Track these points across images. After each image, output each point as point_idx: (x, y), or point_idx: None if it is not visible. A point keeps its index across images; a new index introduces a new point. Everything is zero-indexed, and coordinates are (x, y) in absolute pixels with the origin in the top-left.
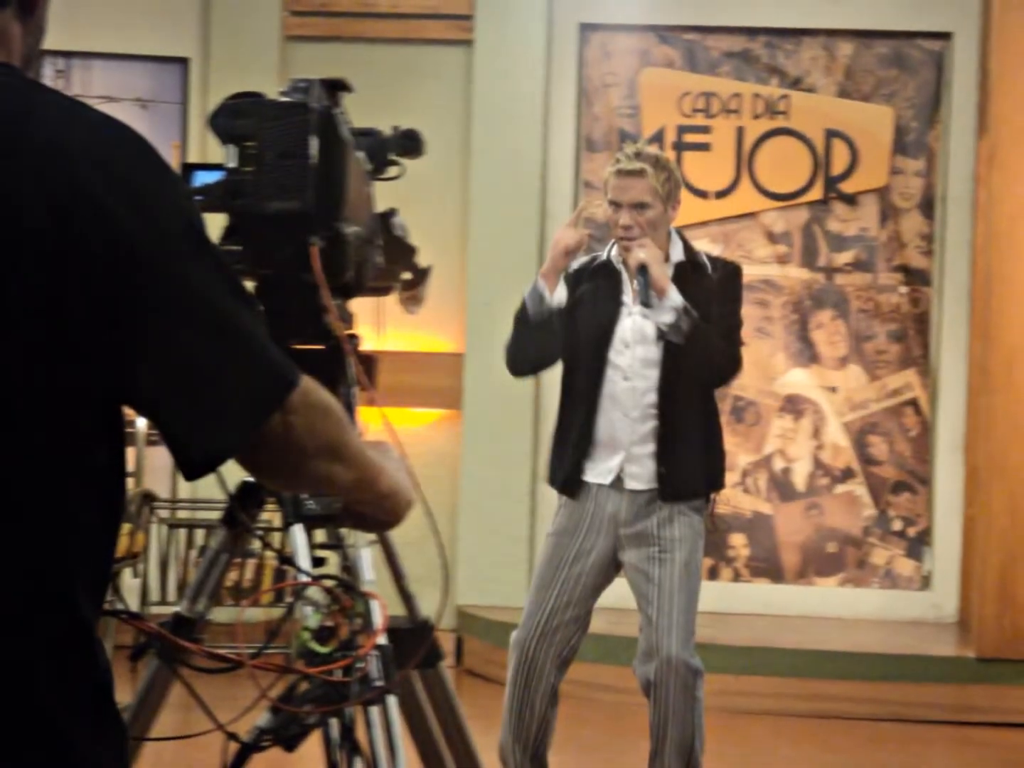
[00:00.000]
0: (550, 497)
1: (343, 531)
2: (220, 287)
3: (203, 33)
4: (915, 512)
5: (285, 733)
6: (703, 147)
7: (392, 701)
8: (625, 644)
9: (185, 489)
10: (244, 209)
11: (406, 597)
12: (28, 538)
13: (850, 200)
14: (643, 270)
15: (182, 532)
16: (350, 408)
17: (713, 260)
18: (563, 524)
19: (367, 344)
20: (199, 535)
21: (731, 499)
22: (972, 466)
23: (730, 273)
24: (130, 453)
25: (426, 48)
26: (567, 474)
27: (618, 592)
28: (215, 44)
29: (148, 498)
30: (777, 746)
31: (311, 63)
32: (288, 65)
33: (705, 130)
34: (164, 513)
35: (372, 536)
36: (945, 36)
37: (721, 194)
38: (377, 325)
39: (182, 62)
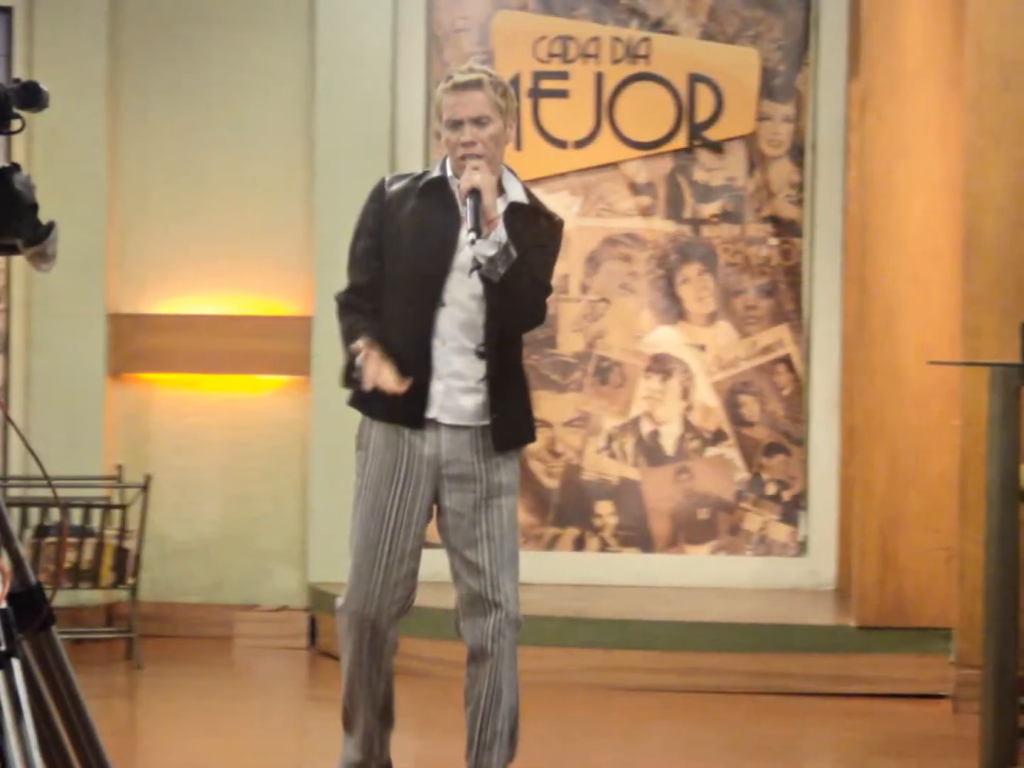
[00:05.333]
0: None
1: None
2: None
3: None
4: (789, 475)
5: None
6: (560, 94)
7: (16, 665)
8: None
9: (16, 466)
10: None
11: (16, 561)
12: None
13: (716, 148)
14: (475, 195)
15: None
16: None
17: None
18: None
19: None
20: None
21: (597, 464)
22: (849, 425)
23: (555, 225)
24: None
25: None
26: None
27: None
28: None
29: None
30: (652, 722)
31: (143, 9)
32: (119, 10)
33: (562, 76)
34: None
35: None
36: None
37: (580, 143)
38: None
39: (5, 11)
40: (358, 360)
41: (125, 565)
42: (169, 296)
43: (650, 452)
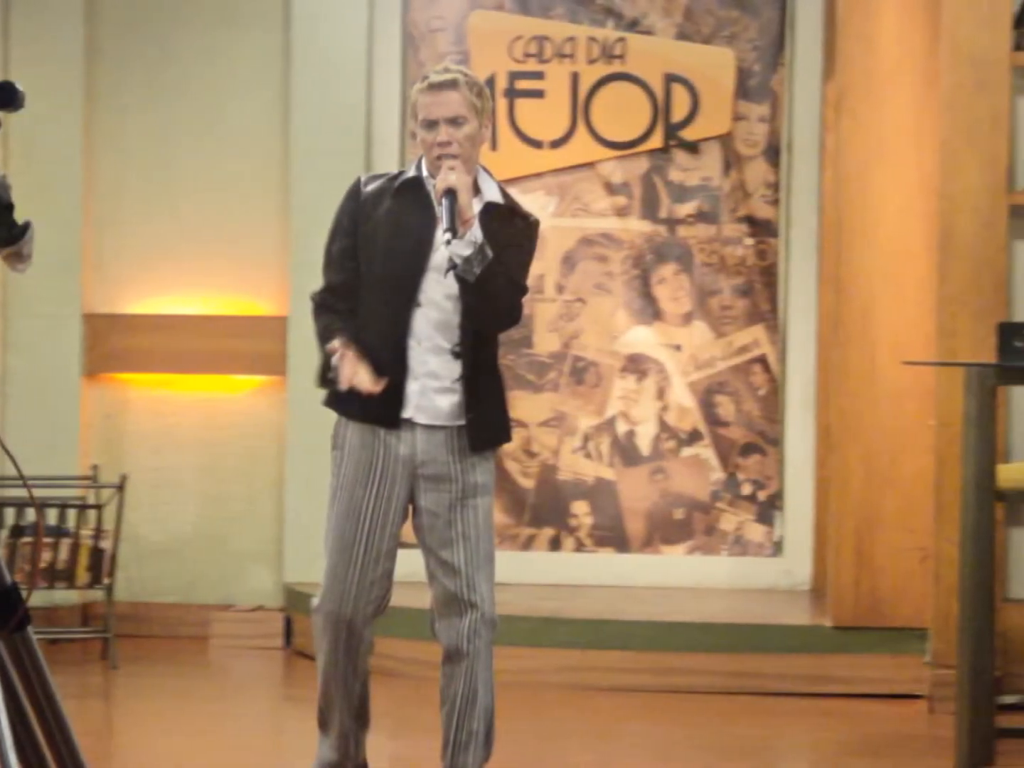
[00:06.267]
0: None
1: None
2: None
3: None
4: (765, 475)
5: None
6: (536, 94)
7: None
8: None
9: None
10: None
11: None
12: None
13: (692, 148)
14: (450, 195)
15: None
16: None
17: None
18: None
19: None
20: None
21: (572, 464)
22: (824, 425)
23: (531, 225)
24: None
25: None
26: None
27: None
28: None
29: None
30: (627, 722)
31: (118, 9)
32: (94, 10)
33: (538, 76)
34: None
35: None
36: None
37: (556, 143)
38: None
39: None
40: (334, 360)
41: (101, 565)
42: (145, 296)
43: (626, 452)
